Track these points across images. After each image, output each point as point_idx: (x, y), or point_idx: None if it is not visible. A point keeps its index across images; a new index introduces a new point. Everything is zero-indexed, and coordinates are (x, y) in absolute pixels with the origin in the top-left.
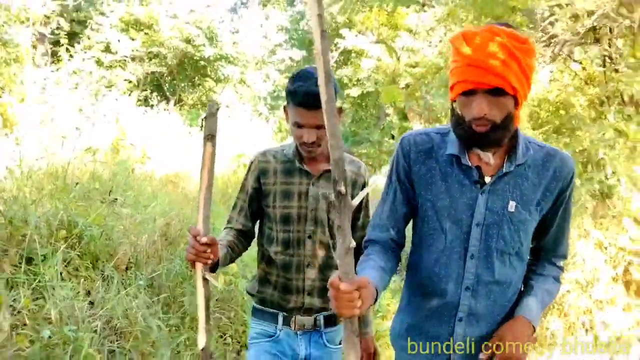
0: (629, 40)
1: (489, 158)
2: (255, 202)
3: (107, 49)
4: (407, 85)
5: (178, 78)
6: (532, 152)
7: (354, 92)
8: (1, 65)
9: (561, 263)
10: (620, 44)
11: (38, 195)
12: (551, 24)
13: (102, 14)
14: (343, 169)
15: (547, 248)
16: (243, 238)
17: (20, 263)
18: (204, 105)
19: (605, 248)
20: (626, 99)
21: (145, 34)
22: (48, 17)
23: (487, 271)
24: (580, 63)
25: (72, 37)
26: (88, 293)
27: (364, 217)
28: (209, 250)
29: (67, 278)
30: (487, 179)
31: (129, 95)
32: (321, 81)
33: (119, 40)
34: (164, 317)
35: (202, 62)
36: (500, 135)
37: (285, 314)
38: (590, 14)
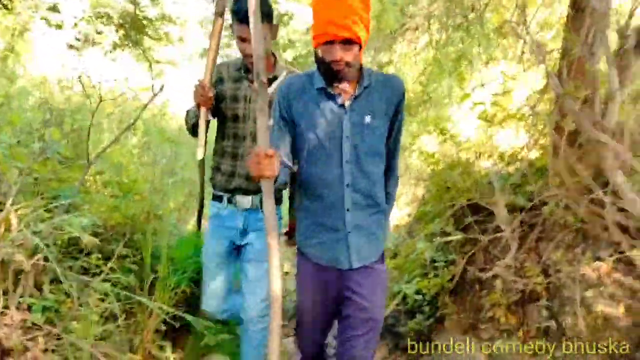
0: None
1: (347, 87)
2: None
3: (54, 9)
4: None
5: (122, 37)
6: (375, 78)
7: (288, 55)
8: None
9: (397, 172)
10: None
11: None
12: None
13: None
14: (263, 65)
15: (390, 149)
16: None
17: None
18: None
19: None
20: None
21: None
22: None
23: (358, 170)
24: None
25: None
26: None
27: None
28: (211, 98)
29: None
30: (347, 103)
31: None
32: None
33: None
34: None
35: (144, 22)
36: (352, 72)
37: (229, 195)
38: None
